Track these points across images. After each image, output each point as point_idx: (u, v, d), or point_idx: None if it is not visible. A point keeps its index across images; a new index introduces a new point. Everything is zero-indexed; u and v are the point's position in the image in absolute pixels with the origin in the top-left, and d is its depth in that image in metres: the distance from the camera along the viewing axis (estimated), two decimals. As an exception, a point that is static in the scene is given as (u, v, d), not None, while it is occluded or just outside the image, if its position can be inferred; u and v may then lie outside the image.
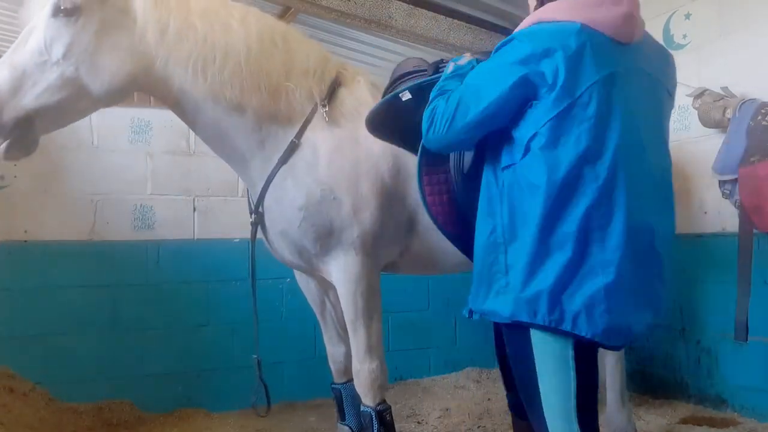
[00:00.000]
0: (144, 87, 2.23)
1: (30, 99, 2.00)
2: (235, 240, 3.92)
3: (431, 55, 5.82)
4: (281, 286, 3.99)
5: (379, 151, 2.40)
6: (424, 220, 2.51)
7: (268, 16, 2.38)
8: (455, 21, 4.85)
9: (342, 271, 2.37)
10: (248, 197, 2.62)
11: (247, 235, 3.88)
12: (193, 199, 3.92)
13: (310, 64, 2.36)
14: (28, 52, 2.02)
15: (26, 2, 2.15)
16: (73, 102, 2.09)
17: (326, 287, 2.77)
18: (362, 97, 2.48)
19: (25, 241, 3.52)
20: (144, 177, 3.82)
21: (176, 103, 2.26)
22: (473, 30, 4.95)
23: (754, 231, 3.12)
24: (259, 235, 2.70)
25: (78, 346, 3.57)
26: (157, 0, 2.14)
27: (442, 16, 4.77)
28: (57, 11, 2.01)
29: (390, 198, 2.41)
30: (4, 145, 2.03)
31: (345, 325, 2.82)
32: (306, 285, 2.82)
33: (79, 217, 3.65)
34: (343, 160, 2.34)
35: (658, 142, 1.81)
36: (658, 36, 3.94)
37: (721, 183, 3.32)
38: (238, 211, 3.91)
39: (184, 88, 2.18)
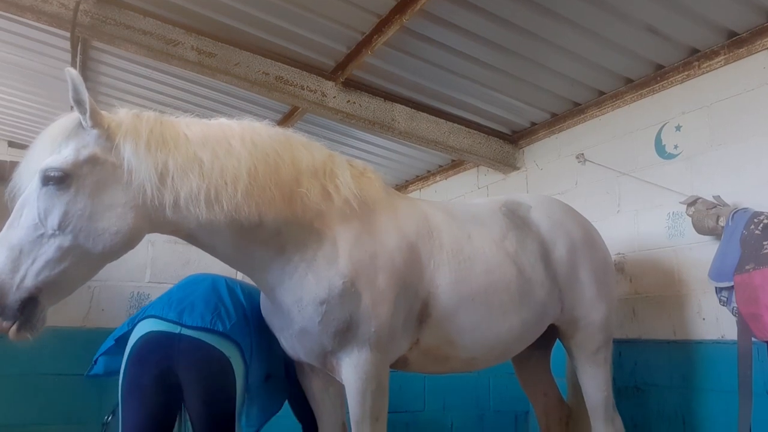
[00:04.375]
0: (152, 231, 2.17)
1: (31, 277, 1.89)
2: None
3: (432, 156, 6.03)
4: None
5: (395, 243, 2.45)
6: (436, 311, 2.52)
7: (266, 127, 2.36)
8: (455, 125, 5.06)
9: (354, 367, 2.33)
10: (260, 307, 2.65)
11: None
12: (191, 289, 3.90)
13: (317, 164, 2.39)
14: (23, 228, 1.92)
15: (14, 175, 2.05)
16: (76, 270, 1.99)
17: (327, 385, 2.72)
18: (373, 190, 2.54)
19: (18, 325, 3.47)
20: (144, 265, 3.83)
21: (190, 235, 2.23)
22: (472, 134, 5.16)
23: (753, 339, 3.10)
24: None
25: (62, 437, 3.43)
26: (150, 143, 2.05)
27: (442, 120, 5.00)
28: (47, 180, 1.93)
29: (405, 289, 2.42)
30: (13, 327, 1.91)
31: (343, 426, 2.76)
32: (308, 382, 2.75)
33: (74, 303, 3.61)
34: (362, 252, 2.35)
35: None
36: (650, 146, 4.11)
37: (718, 290, 3.33)
38: (234, 302, 3.89)
39: (200, 221, 2.12)
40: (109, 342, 2.67)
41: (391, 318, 2.36)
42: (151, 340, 2.45)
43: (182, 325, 2.42)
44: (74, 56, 4.38)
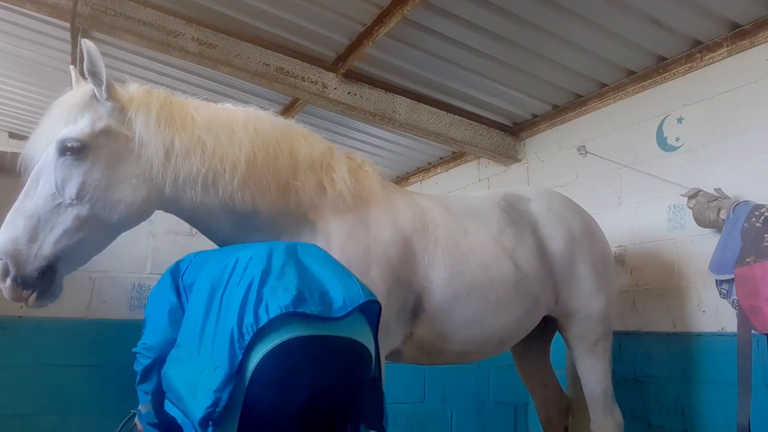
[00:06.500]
0: (160, 207, 2.22)
1: (49, 246, 1.93)
2: (231, 323, 3.88)
3: (433, 148, 6.02)
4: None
5: (389, 237, 2.45)
6: (430, 305, 2.52)
7: (270, 116, 2.39)
8: (456, 117, 5.04)
9: None
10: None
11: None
12: (192, 280, 3.91)
13: (315, 157, 2.41)
14: (41, 197, 1.96)
15: (29, 142, 2.10)
16: (93, 238, 2.05)
17: None
18: (369, 183, 2.55)
19: (20, 316, 3.48)
20: (145, 256, 3.83)
21: (190, 216, 2.28)
22: (473, 126, 5.15)
23: (753, 332, 3.11)
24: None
25: (65, 427, 3.45)
26: (160, 119, 2.11)
27: (443, 112, 4.98)
28: (64, 151, 1.98)
29: (398, 283, 2.42)
30: (33, 296, 1.95)
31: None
32: None
33: (76, 294, 3.62)
34: (356, 246, 2.36)
35: None
36: (651, 138, 4.10)
37: (718, 282, 3.34)
38: (235, 294, 3.89)
39: (195, 203, 2.18)
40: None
41: (383, 311, 2.36)
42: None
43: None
44: (74, 47, 4.37)
